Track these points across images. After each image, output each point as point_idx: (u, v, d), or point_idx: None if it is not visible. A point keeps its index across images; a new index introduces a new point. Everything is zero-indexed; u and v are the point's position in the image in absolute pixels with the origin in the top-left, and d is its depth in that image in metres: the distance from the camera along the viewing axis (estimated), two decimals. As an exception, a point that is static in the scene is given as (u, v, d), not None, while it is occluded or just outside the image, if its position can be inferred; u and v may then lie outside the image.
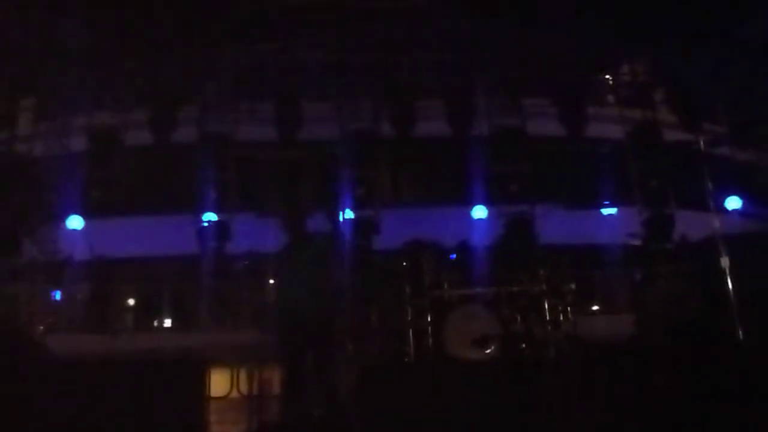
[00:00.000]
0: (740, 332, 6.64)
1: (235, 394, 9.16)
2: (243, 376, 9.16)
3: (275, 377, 8.82)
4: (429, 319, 9.01)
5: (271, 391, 8.76)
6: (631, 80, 13.06)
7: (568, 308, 9.23)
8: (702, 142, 11.30)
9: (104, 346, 10.03)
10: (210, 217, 11.48)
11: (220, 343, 9.96)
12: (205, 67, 12.00)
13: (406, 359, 9.00)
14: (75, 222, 11.50)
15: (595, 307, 11.58)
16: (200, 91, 12.16)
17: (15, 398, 3.56)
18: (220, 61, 11.94)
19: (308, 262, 5.66)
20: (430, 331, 8.96)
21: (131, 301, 11.65)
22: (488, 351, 8.62)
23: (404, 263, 9.72)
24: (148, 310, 11.54)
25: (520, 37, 11.71)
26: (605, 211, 12.75)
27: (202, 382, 8.39)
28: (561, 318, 9.15)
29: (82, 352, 8.82)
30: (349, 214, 11.32)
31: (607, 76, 13.45)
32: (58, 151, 11.86)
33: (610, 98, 13.43)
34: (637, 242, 11.82)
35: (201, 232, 11.45)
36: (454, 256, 10.43)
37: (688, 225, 11.36)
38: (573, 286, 9.48)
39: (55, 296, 11.28)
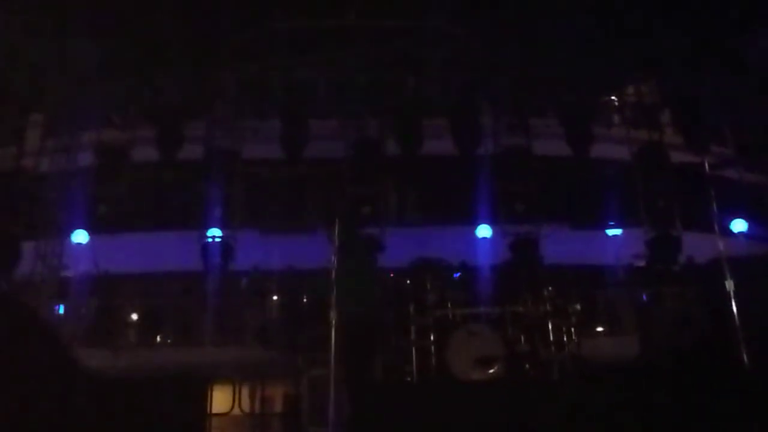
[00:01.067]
0: (745, 355, 6.58)
1: (236, 411, 9.12)
2: (245, 392, 9.12)
3: (277, 394, 8.80)
4: (432, 338, 8.98)
5: (272, 409, 8.73)
6: (637, 101, 13.08)
7: (573, 329, 9.18)
8: (708, 164, 11.28)
9: (107, 361, 10.02)
10: (215, 233, 11.51)
11: (222, 360, 9.94)
12: (212, 84, 12.10)
13: (409, 378, 8.95)
14: (80, 237, 11.54)
15: (600, 329, 11.50)
16: (207, 108, 12.24)
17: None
18: (227, 78, 12.04)
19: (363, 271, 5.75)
20: (433, 350, 8.92)
21: (135, 317, 11.64)
22: (491, 371, 8.56)
23: (408, 281, 9.70)
24: (152, 326, 11.52)
25: (527, 57, 11.76)
26: (610, 232, 12.71)
27: (204, 399, 8.39)
28: (565, 339, 9.09)
29: (85, 367, 8.81)
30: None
31: (613, 97, 13.48)
32: (65, 167, 11.94)
33: (616, 119, 13.44)
34: (643, 263, 11.77)
35: (205, 248, 11.47)
36: (459, 275, 10.41)
37: (694, 247, 11.32)
38: (578, 306, 9.44)
39: (58, 310, 11.30)
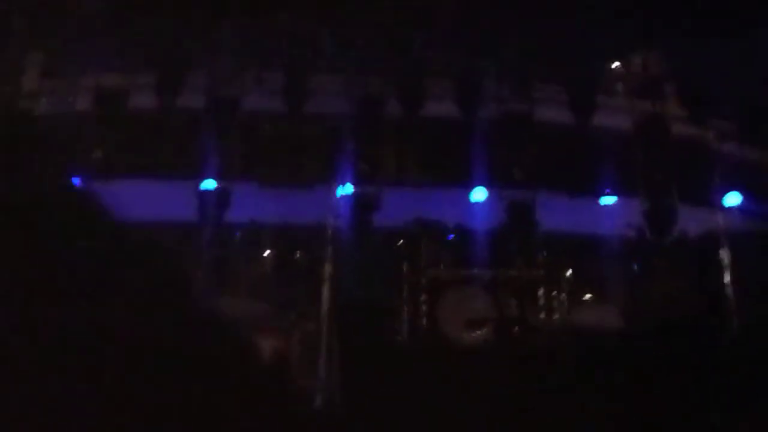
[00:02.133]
0: (735, 328, 6.68)
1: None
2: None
3: (268, 347, 8.90)
4: (424, 298, 9.06)
5: (264, 362, 8.82)
6: (641, 71, 12.96)
7: (564, 295, 9.28)
8: (709, 137, 11.26)
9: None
10: (211, 183, 11.48)
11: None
12: (215, 33, 11.91)
13: (399, 337, 9.06)
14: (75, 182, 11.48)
15: (591, 296, 11.61)
16: (209, 57, 12.09)
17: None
18: (230, 27, 11.85)
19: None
20: (424, 311, 9.01)
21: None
22: (481, 333, 8.67)
23: (402, 241, 9.75)
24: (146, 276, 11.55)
25: (534, 23, 11.60)
26: (606, 201, 12.72)
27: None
28: (556, 305, 9.20)
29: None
30: (350, 189, 11.32)
31: (618, 66, 13.35)
32: (62, 110, 11.81)
33: (620, 88, 13.33)
34: (636, 234, 11.82)
35: (201, 198, 11.45)
36: (453, 236, 10.44)
37: (688, 220, 11.36)
38: (570, 273, 9.52)
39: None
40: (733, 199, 11.86)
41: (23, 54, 12.03)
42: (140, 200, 11.91)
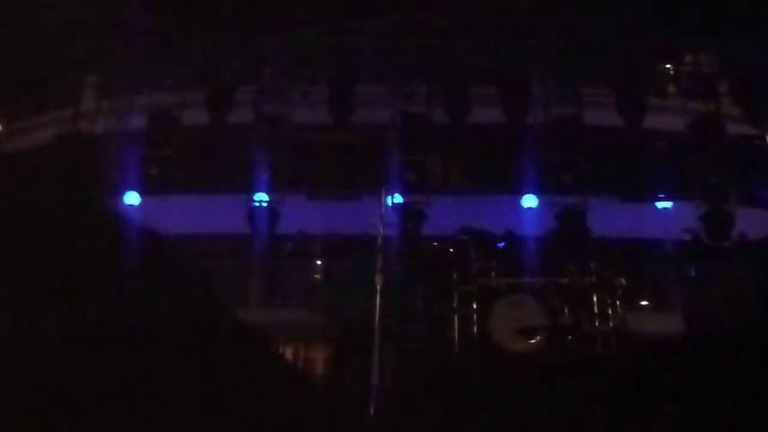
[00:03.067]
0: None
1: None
2: (288, 354, 9.32)
3: (319, 357, 8.97)
4: (475, 306, 8.99)
5: (315, 371, 8.91)
6: (694, 71, 12.65)
7: (617, 303, 9.09)
8: (766, 136, 10.91)
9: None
10: (261, 197, 11.67)
11: (267, 322, 10.14)
12: (261, 49, 12.14)
13: (451, 346, 9.01)
14: (132, 198, 11.82)
15: (645, 303, 11.35)
16: (257, 72, 12.32)
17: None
18: (277, 43, 12.06)
19: None
20: (475, 319, 8.94)
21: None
22: (534, 341, 8.56)
23: (452, 250, 9.71)
24: (201, 287, 11.79)
25: (580, 24, 11.46)
26: (661, 205, 12.44)
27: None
28: (610, 312, 9.01)
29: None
30: (399, 199, 11.36)
31: (669, 66, 13.06)
32: (118, 129, 12.21)
33: (672, 89, 13.04)
34: (694, 238, 11.51)
35: (252, 212, 11.66)
36: (503, 244, 10.36)
37: (747, 223, 11.02)
38: (623, 280, 9.32)
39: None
40: (793, 201, 11.48)
41: (81, 76, 12.49)
42: (193, 214, 12.23)
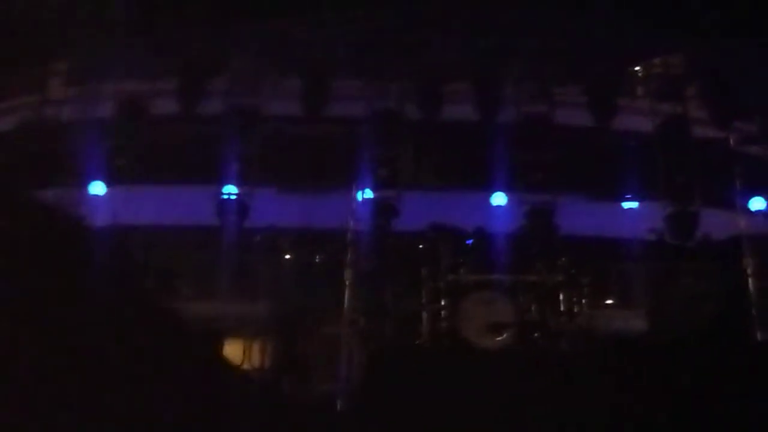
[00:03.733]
0: (759, 333, 6.57)
1: (247, 366, 9.27)
2: (256, 348, 9.26)
3: (288, 351, 8.93)
4: (444, 302, 9.01)
5: (284, 365, 8.86)
6: (662, 73, 12.83)
7: (584, 300, 9.18)
8: (732, 140, 11.11)
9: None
10: (231, 189, 11.55)
11: (235, 315, 10.06)
12: (234, 39, 12.00)
13: (419, 342, 9.02)
14: (98, 188, 11.61)
15: (612, 301, 11.50)
16: (228, 63, 12.18)
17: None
18: (249, 34, 11.92)
19: None
20: (444, 315, 8.96)
21: (148, 270, 11.75)
22: (501, 338, 8.61)
23: (421, 246, 9.72)
24: (165, 280, 11.64)
25: (553, 24, 11.54)
26: (628, 205, 12.60)
27: (218, 353, 8.52)
28: (576, 310, 9.11)
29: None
30: (369, 194, 11.33)
31: (639, 68, 13.23)
32: (84, 117, 11.96)
33: (641, 90, 13.21)
34: (659, 238, 11.69)
35: (221, 204, 11.53)
36: (472, 241, 10.40)
37: (711, 223, 11.21)
38: (590, 278, 9.43)
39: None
40: (757, 203, 11.70)
41: (47, 63, 12.22)
42: (162, 206, 12.05)
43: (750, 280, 6.95)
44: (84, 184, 11.54)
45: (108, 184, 11.66)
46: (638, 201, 12.65)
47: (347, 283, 6.36)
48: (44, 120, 11.82)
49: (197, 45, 11.92)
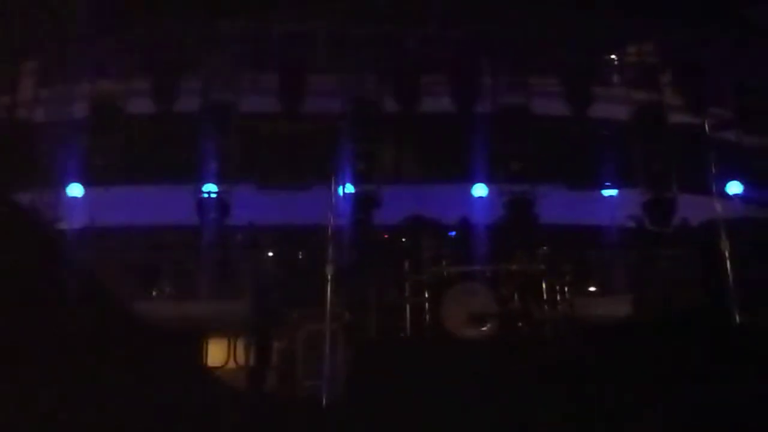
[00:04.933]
0: (737, 316, 6.66)
1: (232, 364, 9.23)
2: (240, 346, 9.22)
3: (272, 348, 8.90)
4: (426, 295, 9.03)
5: (267, 362, 8.83)
6: (638, 61, 12.94)
7: (566, 288, 9.24)
8: (707, 126, 11.22)
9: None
10: (210, 187, 11.48)
11: (218, 314, 10.01)
12: (208, 36, 11.90)
13: (403, 335, 9.03)
14: (75, 189, 11.48)
15: (593, 288, 11.59)
16: (204, 60, 12.08)
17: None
18: (224, 30, 11.84)
19: None
20: (427, 307, 8.97)
21: (130, 271, 11.66)
22: (485, 329, 8.64)
23: (403, 239, 9.72)
24: (147, 280, 11.56)
25: (528, 14, 11.58)
26: (607, 193, 12.71)
27: (200, 352, 8.47)
28: (558, 298, 9.16)
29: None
30: (350, 188, 11.32)
31: (614, 56, 13.33)
32: (59, 118, 11.81)
33: (617, 79, 13.31)
34: (638, 225, 11.81)
35: (201, 202, 11.46)
36: (454, 233, 10.42)
37: (690, 209, 11.34)
38: (571, 266, 9.48)
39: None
40: (734, 188, 11.86)
41: (19, 63, 12.03)
42: (140, 206, 11.94)
43: (728, 264, 7.03)
44: (61, 186, 11.41)
45: (85, 185, 11.54)
46: (616, 188, 12.77)
47: (329, 277, 6.33)
48: (17, 121, 11.65)
49: (172, 43, 11.80)
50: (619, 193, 12.71)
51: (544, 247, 9.50)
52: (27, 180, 10.97)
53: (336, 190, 7.37)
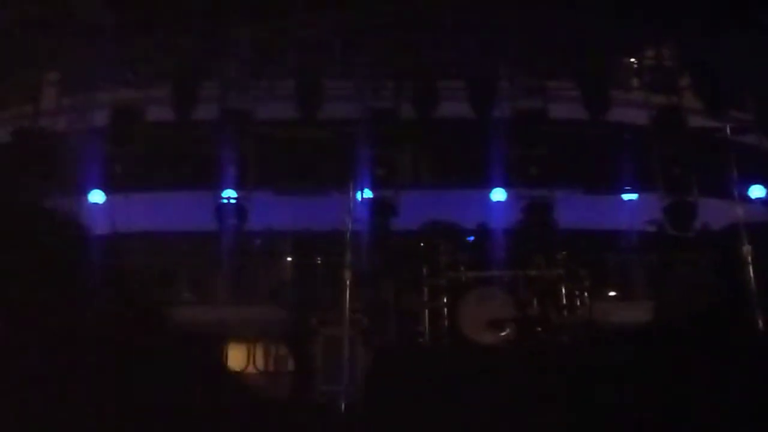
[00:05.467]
0: (759, 322, 6.58)
1: (251, 369, 9.28)
2: (259, 351, 9.27)
3: (290, 353, 8.94)
4: (445, 300, 9.02)
5: (286, 367, 8.87)
6: (656, 64, 12.85)
7: (585, 293, 9.19)
8: (727, 129, 11.11)
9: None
10: (229, 194, 11.56)
11: (237, 319, 10.07)
12: (226, 43, 12.00)
13: (421, 340, 9.03)
14: (97, 196, 11.63)
15: (612, 293, 11.51)
16: (221, 68, 12.18)
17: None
18: (241, 37, 11.92)
19: None
20: (445, 313, 8.97)
21: (150, 277, 11.77)
22: (503, 334, 8.62)
23: (421, 244, 9.73)
24: (167, 286, 11.65)
25: (546, 19, 11.55)
26: (626, 197, 12.63)
27: (220, 357, 8.53)
28: (578, 303, 9.11)
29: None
30: (368, 194, 11.34)
31: (632, 60, 13.24)
32: (80, 126, 11.97)
33: (635, 82, 13.22)
34: (658, 229, 11.71)
35: (220, 209, 11.54)
36: (472, 238, 10.41)
37: (710, 213, 11.23)
38: (590, 271, 9.43)
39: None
40: (756, 191, 11.73)
41: (41, 73, 12.22)
42: (160, 212, 12.07)
43: (750, 269, 6.95)
44: (83, 193, 11.55)
45: (107, 192, 11.67)
46: (636, 193, 12.67)
47: (347, 283, 6.35)
48: (40, 130, 11.83)
49: (189, 50, 11.91)
50: (639, 198, 12.62)
51: (563, 252, 9.47)
52: (50, 187, 11.14)
53: (354, 196, 7.39)
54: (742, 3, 10.86)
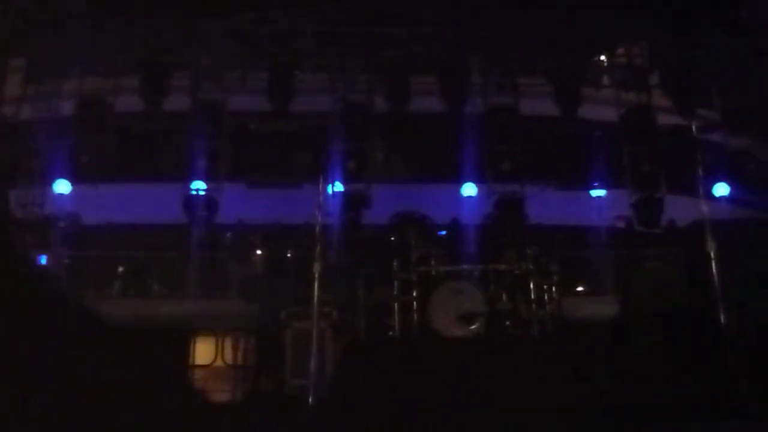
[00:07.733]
0: (723, 317, 6.69)
1: (219, 362, 9.20)
2: (228, 344, 9.19)
3: (259, 346, 8.88)
4: (415, 294, 9.03)
5: (255, 361, 8.81)
6: (627, 63, 13.00)
7: (554, 288, 9.26)
8: (695, 128, 11.30)
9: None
10: (199, 185, 11.43)
11: (206, 312, 9.98)
12: (198, 34, 11.84)
13: (391, 333, 9.03)
14: (62, 186, 11.42)
15: (581, 288, 11.64)
16: (193, 58, 12.03)
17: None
18: (214, 28, 11.78)
19: None
20: (415, 306, 8.98)
21: (118, 269, 11.60)
22: (473, 328, 8.65)
23: (392, 238, 9.72)
24: (135, 278, 11.49)
25: (518, 15, 11.60)
26: (595, 193, 12.78)
27: (187, 351, 8.44)
28: (546, 297, 9.18)
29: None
30: (339, 187, 11.31)
31: (603, 58, 13.38)
32: (46, 115, 11.73)
33: (605, 80, 13.37)
34: (626, 225, 11.87)
35: (189, 200, 11.41)
36: (443, 232, 10.44)
37: (677, 210, 11.41)
38: (559, 266, 9.51)
39: (40, 260, 11.22)
40: (721, 189, 11.94)
41: (5, 59, 11.93)
42: (128, 204, 11.90)
43: (714, 265, 7.07)
44: (48, 183, 11.34)
45: (73, 182, 11.47)
46: (605, 189, 12.83)
47: (317, 276, 6.32)
48: (4, 118, 11.57)
49: (161, 39, 11.73)
50: (608, 194, 12.77)
51: (533, 247, 9.53)
52: (14, 177, 10.92)
53: (325, 189, 7.36)
54: (711, 2, 11.02)
